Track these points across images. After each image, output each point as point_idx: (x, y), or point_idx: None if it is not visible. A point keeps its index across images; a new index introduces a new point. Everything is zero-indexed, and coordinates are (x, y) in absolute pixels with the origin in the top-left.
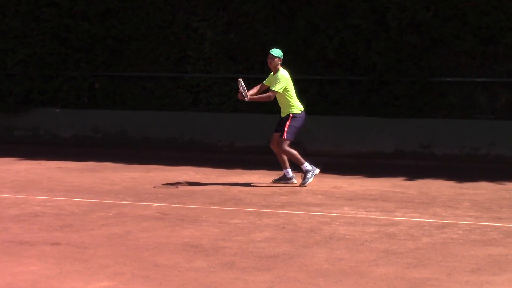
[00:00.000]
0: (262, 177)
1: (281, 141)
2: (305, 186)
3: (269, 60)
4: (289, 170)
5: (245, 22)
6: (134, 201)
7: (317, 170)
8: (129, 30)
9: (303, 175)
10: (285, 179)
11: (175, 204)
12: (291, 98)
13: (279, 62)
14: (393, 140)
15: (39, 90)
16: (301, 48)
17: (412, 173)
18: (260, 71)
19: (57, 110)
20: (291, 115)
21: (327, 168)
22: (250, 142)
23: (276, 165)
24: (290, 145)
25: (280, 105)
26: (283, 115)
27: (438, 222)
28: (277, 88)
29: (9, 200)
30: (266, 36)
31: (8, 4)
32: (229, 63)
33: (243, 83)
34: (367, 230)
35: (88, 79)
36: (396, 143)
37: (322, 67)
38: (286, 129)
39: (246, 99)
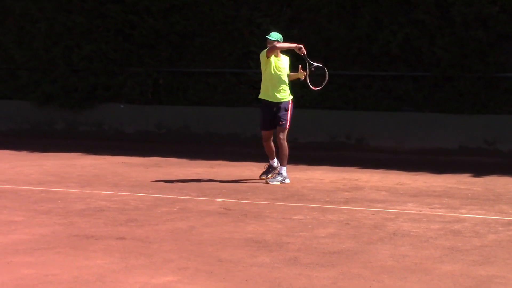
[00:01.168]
0: (325, 173)
1: (282, 130)
2: (271, 183)
3: (268, 45)
4: (275, 159)
5: (308, 18)
6: (198, 196)
7: (288, 181)
8: (192, 26)
9: (275, 173)
10: (272, 169)
11: (238, 199)
12: (286, 84)
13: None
14: (457, 137)
15: (103, 86)
16: (365, 44)
17: (477, 170)
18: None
19: (122, 106)
20: (291, 102)
21: (390, 164)
22: (312, 138)
23: (340, 161)
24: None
25: (277, 89)
26: (276, 100)
27: (504, 219)
28: (278, 44)
29: (74, 194)
30: (330, 32)
31: (74, 0)
32: (292, 59)
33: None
34: (431, 226)
35: (152, 75)
36: (460, 140)
37: (386, 63)
38: (289, 118)
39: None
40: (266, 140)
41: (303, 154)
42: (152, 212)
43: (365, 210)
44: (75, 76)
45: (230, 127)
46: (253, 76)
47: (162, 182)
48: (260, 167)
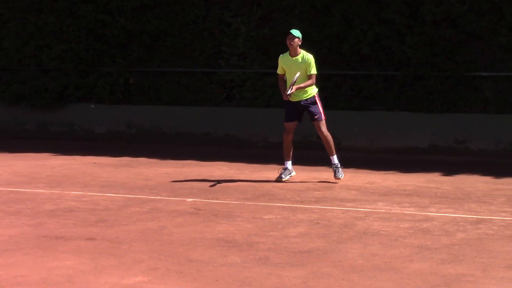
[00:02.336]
0: (296, 172)
1: (321, 123)
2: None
3: (289, 41)
4: (290, 162)
5: (279, 17)
6: (168, 196)
7: (294, 173)
8: (164, 25)
9: (334, 168)
10: (288, 172)
11: (209, 199)
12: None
13: (299, 43)
14: (427, 135)
15: (74, 85)
16: (335, 43)
17: (447, 169)
18: None
19: (92, 106)
20: (316, 96)
21: (361, 164)
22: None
23: (311, 160)
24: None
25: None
26: (300, 98)
27: (473, 217)
28: (315, 70)
29: (44, 195)
30: (300, 31)
31: (44, 0)
32: (263, 58)
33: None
34: (401, 225)
35: (123, 74)
36: (430, 138)
37: (356, 62)
38: (322, 110)
39: (292, 90)
40: (287, 133)
41: (274, 153)
42: (122, 213)
43: (335, 209)
44: (45, 76)
45: (201, 126)
46: (223, 76)
47: (132, 182)
48: (231, 167)
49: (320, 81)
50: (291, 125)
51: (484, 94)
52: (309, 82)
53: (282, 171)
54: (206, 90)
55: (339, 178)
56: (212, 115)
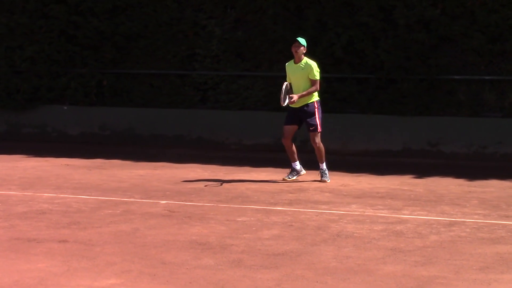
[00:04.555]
0: (269, 174)
1: (316, 134)
2: (323, 179)
3: (294, 49)
4: (297, 162)
5: (253, 19)
6: (142, 198)
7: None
8: (137, 27)
9: (320, 172)
10: (296, 173)
11: (182, 201)
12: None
13: (304, 51)
14: (401, 138)
15: (47, 87)
16: (309, 46)
17: (420, 171)
18: (268, 68)
19: (65, 107)
20: (316, 104)
21: (334, 166)
22: (257, 139)
23: (284, 163)
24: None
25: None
26: (299, 105)
27: (446, 220)
28: (318, 76)
29: (16, 197)
30: (274, 34)
31: (16, 1)
32: (237, 61)
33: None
34: (374, 228)
35: (96, 76)
36: (404, 141)
37: (330, 65)
38: (319, 122)
39: (293, 99)
40: (286, 137)
41: (248, 155)
42: (95, 215)
43: (309, 211)
44: (17, 78)
45: (175, 128)
46: (197, 78)
47: (105, 184)
48: (205, 169)
49: None
50: (288, 128)
51: (457, 97)
52: (312, 89)
53: (290, 172)
54: (180, 92)
55: (325, 181)
56: (185, 117)
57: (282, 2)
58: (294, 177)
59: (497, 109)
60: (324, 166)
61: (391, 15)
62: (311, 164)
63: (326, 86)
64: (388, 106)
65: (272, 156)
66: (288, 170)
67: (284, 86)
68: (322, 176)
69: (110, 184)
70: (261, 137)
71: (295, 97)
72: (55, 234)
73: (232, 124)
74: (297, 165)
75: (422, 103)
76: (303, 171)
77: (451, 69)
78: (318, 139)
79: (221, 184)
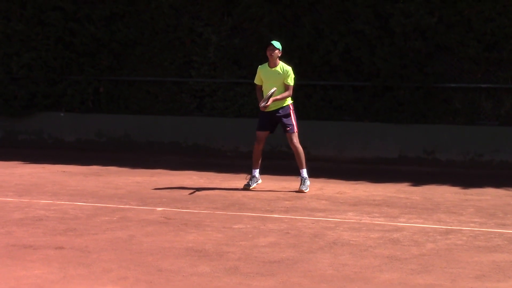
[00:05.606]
0: (266, 182)
1: (293, 136)
2: (301, 190)
3: (269, 52)
4: (258, 170)
5: (249, 27)
6: (138, 205)
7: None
8: (133, 34)
9: (300, 178)
10: (256, 180)
11: (179, 208)
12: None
13: (279, 54)
14: (396, 146)
15: (43, 94)
16: (306, 53)
17: (416, 179)
18: None
19: (62, 114)
20: (291, 106)
21: (330, 174)
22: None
23: (281, 170)
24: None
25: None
26: (275, 107)
27: (442, 228)
28: (292, 81)
29: (13, 204)
30: (271, 41)
31: (13, 8)
32: (234, 68)
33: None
34: (371, 235)
35: (92, 83)
36: (400, 149)
37: (326, 73)
38: (294, 122)
39: (268, 104)
40: (259, 142)
41: (244, 163)
42: (91, 221)
43: (305, 219)
44: (14, 84)
45: (171, 135)
46: (194, 85)
47: (102, 191)
48: (201, 176)
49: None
50: (262, 134)
51: (453, 105)
52: (286, 94)
53: (250, 178)
54: (177, 99)
55: (303, 191)
56: (182, 124)
57: (279, 10)
58: (254, 185)
59: (494, 117)
60: (304, 173)
61: (387, 23)
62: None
63: (323, 94)
64: (384, 114)
65: (268, 163)
66: (286, 178)
67: (272, 91)
68: (301, 184)
69: (106, 191)
70: None
71: (270, 101)
72: (51, 240)
73: (229, 131)
74: (257, 172)
75: (418, 111)
76: (260, 180)
77: (447, 77)
78: (296, 139)
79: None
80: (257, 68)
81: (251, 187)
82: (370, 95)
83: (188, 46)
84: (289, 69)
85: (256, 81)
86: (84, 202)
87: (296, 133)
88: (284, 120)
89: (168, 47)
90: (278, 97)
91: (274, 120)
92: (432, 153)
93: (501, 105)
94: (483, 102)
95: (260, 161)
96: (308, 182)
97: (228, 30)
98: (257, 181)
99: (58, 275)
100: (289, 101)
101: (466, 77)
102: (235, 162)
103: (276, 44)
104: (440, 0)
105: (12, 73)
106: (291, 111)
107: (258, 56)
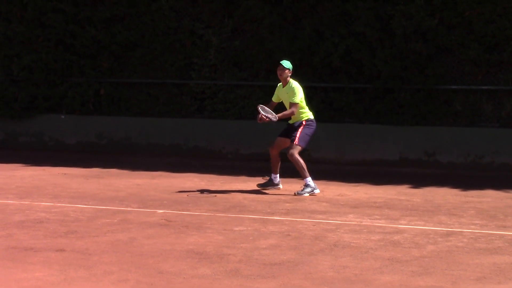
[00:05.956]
0: None
1: (292, 146)
2: (299, 195)
3: (279, 72)
4: (277, 176)
5: (250, 29)
6: (139, 207)
7: (317, 191)
8: (134, 36)
9: (302, 186)
10: (271, 184)
11: (179, 211)
12: (302, 107)
13: (289, 74)
14: (397, 148)
15: (44, 96)
16: (306, 55)
17: (417, 181)
18: (265, 78)
19: (62, 116)
20: (304, 122)
21: (331, 176)
22: (254, 149)
23: (282, 172)
24: (304, 154)
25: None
26: (291, 121)
27: (443, 230)
28: (297, 99)
29: (13, 206)
30: (271, 43)
31: (13, 10)
32: (234, 70)
33: (264, 110)
34: (372, 238)
35: (93, 85)
36: (400, 151)
37: (327, 75)
38: (298, 135)
39: (274, 119)
40: (273, 147)
41: (245, 165)
42: (92, 224)
43: (306, 221)
44: (15, 86)
45: (172, 138)
46: (194, 87)
47: (102, 194)
48: (202, 178)
49: None
50: (278, 139)
51: (454, 107)
52: (287, 112)
53: (267, 180)
54: (177, 101)
55: (300, 195)
56: (182, 126)
57: (279, 12)
58: (269, 188)
59: (494, 119)
60: (307, 181)
61: (388, 25)
62: (310, 173)
63: (324, 96)
64: (385, 116)
65: (268, 165)
66: (287, 180)
67: (273, 118)
68: (300, 190)
69: (107, 193)
70: (258, 147)
71: (264, 117)
72: (52, 243)
73: (229, 134)
74: (277, 179)
75: (419, 113)
76: (280, 186)
77: (448, 79)
78: (292, 151)
79: (215, 195)
80: (257, 69)
81: (262, 188)
82: (371, 97)
83: (188, 48)
84: (295, 87)
85: (273, 98)
86: (85, 205)
87: (298, 146)
88: (292, 131)
89: (168, 49)
90: (280, 114)
91: (290, 130)
92: (433, 155)
93: (502, 107)
94: (483, 104)
95: (278, 167)
96: (308, 189)
97: (229, 32)
98: (273, 186)
99: (59, 277)
100: (305, 117)
101: (467, 79)
102: (236, 164)
103: (285, 64)
104: (441, 2)
105: (13, 75)
106: (302, 126)
107: (259, 58)
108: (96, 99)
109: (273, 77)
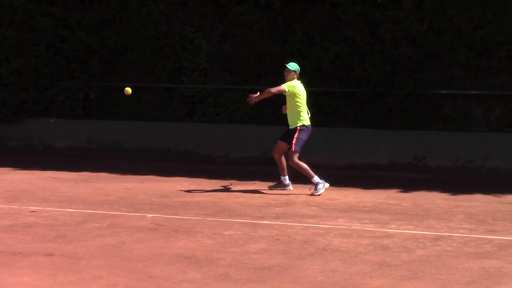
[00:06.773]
0: (256, 188)
1: (290, 153)
2: (319, 195)
3: (285, 73)
4: (287, 177)
5: (240, 33)
6: (128, 211)
7: (327, 184)
8: (124, 40)
9: (313, 186)
10: (282, 186)
11: (169, 215)
12: (301, 110)
13: (295, 76)
14: (387, 152)
15: (33, 100)
16: (297, 60)
17: (406, 185)
18: (255, 82)
19: (52, 120)
20: (298, 127)
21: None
22: (244, 153)
23: (272, 176)
24: (300, 158)
25: (289, 116)
26: (291, 127)
27: (432, 234)
28: (285, 88)
29: (2, 210)
30: (261, 48)
31: (3, 14)
32: (224, 74)
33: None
34: (361, 242)
35: (83, 89)
36: (390, 155)
37: (317, 79)
38: (294, 141)
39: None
40: (274, 150)
41: (235, 169)
42: (81, 228)
43: (295, 225)
44: (4, 90)
45: (162, 142)
46: (185, 91)
47: (92, 198)
48: (192, 182)
49: (282, 97)
50: (277, 143)
51: (443, 112)
52: (273, 88)
53: (277, 183)
54: (167, 105)
55: (315, 195)
56: (173, 130)
57: (270, 17)
58: (278, 189)
59: (483, 123)
60: (315, 179)
61: (378, 30)
62: (300, 177)
63: (314, 100)
64: (374, 120)
65: (259, 169)
66: (272, 184)
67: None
68: (314, 189)
69: (96, 197)
70: (248, 151)
71: (256, 96)
72: (41, 247)
73: (219, 138)
74: (286, 180)
75: (408, 118)
76: (291, 187)
77: (437, 84)
78: (291, 156)
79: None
80: (247, 74)
81: (272, 189)
82: (361, 101)
83: (179, 52)
84: (293, 83)
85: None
86: (74, 209)
87: (295, 152)
88: (289, 137)
89: (159, 53)
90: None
91: (288, 134)
92: (423, 160)
93: (491, 111)
94: (473, 109)
95: (285, 168)
96: (320, 186)
97: (219, 37)
98: (284, 187)
99: (48, 282)
100: (301, 123)
101: (456, 83)
102: (226, 168)
103: (291, 66)
104: (430, 7)
105: (2, 79)
106: (297, 131)
107: (249, 62)
108: (86, 103)
109: (263, 81)
